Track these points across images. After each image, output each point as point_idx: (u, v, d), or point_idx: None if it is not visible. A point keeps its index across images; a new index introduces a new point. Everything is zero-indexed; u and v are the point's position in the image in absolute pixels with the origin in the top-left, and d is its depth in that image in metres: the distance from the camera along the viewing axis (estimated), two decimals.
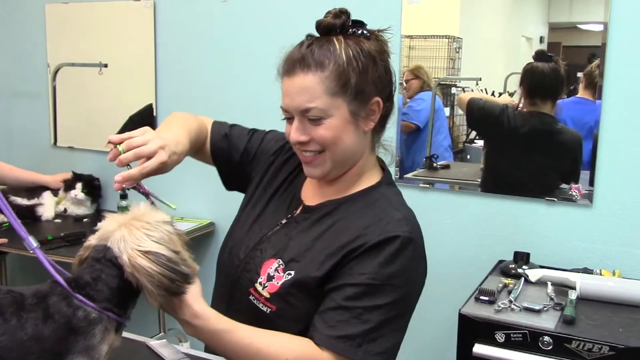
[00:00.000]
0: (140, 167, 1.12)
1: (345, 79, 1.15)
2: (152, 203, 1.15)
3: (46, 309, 0.95)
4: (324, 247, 1.18)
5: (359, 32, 1.19)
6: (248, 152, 1.44)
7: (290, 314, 1.18)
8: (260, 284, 1.21)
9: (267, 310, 1.19)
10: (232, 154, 1.44)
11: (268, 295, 1.19)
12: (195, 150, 1.41)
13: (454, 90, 2.57)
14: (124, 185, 1.12)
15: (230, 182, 1.49)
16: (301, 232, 1.24)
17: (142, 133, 1.16)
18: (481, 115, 2.44)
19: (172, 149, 1.18)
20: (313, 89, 1.15)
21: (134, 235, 1.00)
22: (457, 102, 2.49)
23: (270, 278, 1.20)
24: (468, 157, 2.62)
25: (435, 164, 2.55)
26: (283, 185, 1.37)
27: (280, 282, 1.19)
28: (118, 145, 1.13)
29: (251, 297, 1.22)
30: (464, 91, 2.55)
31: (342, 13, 1.19)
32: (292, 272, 1.18)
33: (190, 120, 1.38)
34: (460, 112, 2.59)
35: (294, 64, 1.17)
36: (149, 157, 1.14)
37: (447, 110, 2.60)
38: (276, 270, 1.21)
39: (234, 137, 1.45)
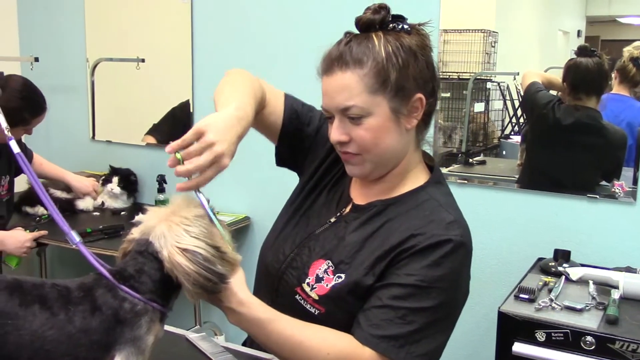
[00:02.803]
0: (197, 181, 1.05)
1: (384, 75, 1.13)
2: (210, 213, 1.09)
3: (93, 301, 0.96)
4: (374, 248, 1.17)
5: (399, 27, 1.16)
6: (316, 139, 1.37)
7: (339, 316, 1.17)
8: (308, 284, 1.20)
9: (315, 312, 1.18)
10: (300, 139, 1.37)
11: (316, 297, 1.18)
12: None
13: (489, 85, 2.54)
14: None
15: (285, 161, 1.42)
16: (351, 232, 1.22)
17: (196, 136, 1.04)
18: (529, 104, 2.40)
19: (233, 144, 1.07)
20: (352, 87, 1.13)
21: (173, 232, 1.00)
22: (521, 78, 2.41)
23: (319, 279, 1.19)
24: (504, 152, 2.59)
25: (471, 160, 2.53)
26: (335, 177, 1.34)
27: (330, 285, 1.18)
28: (176, 153, 1.04)
29: (297, 297, 1.21)
30: (500, 86, 2.52)
31: (382, 8, 1.17)
32: (343, 276, 1.17)
33: (255, 85, 1.26)
34: (496, 107, 2.55)
35: (332, 62, 1.16)
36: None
37: (481, 105, 2.56)
38: (325, 272, 1.19)
39: (304, 121, 1.36)
